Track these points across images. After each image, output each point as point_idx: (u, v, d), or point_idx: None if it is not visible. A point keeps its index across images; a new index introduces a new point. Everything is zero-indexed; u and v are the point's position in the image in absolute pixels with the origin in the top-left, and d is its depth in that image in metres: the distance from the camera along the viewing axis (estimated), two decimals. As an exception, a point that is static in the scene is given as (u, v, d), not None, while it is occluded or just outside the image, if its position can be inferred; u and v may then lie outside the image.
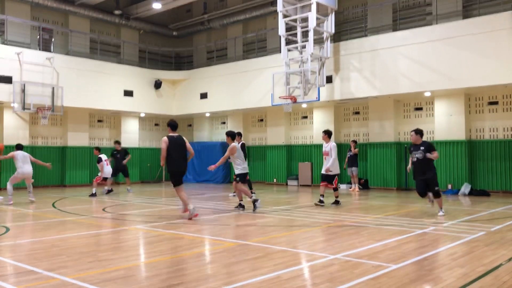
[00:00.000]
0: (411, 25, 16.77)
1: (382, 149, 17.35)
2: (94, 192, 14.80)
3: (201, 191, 16.24)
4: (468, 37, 14.04)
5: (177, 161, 9.24)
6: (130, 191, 16.19)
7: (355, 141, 17.10)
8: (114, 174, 16.02)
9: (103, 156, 15.28)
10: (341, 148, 18.68)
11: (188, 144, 9.54)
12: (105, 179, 15.43)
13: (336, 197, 11.87)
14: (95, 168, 20.02)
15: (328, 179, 11.59)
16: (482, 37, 13.77)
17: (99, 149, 15.88)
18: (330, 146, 11.58)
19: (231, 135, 10.85)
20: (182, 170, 9.41)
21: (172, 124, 9.45)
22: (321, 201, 11.63)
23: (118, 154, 16.36)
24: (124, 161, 16.24)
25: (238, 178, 10.75)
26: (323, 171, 11.69)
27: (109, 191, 15.62)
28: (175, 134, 9.40)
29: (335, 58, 16.91)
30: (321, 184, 11.74)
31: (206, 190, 16.29)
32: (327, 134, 11.83)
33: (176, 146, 9.23)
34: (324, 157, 11.78)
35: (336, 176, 11.73)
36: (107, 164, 15.25)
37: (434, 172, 9.60)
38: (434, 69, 14.65)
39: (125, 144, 20.15)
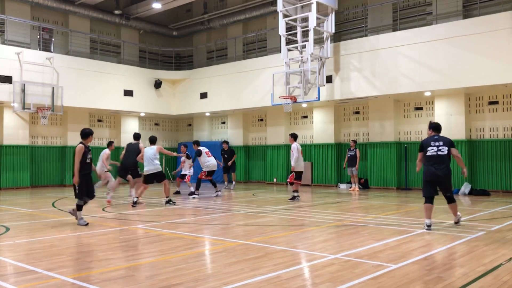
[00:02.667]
0: (411, 25, 16.76)
1: (382, 149, 17.34)
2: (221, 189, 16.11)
3: (201, 190, 16.21)
4: (468, 37, 14.04)
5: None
6: (232, 187, 17.58)
7: (355, 141, 17.09)
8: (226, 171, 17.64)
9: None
10: (341, 148, 18.76)
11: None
12: (184, 176, 15.30)
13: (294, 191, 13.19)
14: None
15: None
16: (482, 37, 13.77)
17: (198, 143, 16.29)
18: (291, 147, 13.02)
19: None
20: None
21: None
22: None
23: (226, 154, 17.45)
24: (230, 162, 17.35)
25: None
26: (302, 169, 13.08)
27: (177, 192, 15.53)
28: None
29: (335, 58, 16.90)
30: (297, 181, 13.06)
31: (206, 190, 16.29)
32: (293, 137, 13.20)
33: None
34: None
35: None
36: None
37: None
38: (434, 69, 14.65)
39: (125, 144, 20.10)
